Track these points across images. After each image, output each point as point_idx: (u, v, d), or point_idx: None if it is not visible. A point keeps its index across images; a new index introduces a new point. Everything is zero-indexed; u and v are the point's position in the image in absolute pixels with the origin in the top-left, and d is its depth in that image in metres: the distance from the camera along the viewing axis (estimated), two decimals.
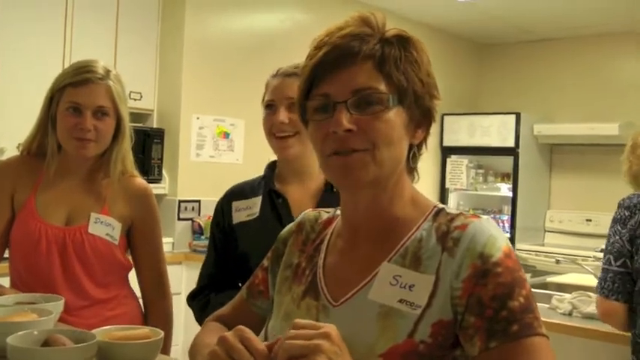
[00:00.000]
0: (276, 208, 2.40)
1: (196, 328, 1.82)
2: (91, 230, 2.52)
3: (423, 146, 1.50)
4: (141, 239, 2.68)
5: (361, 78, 1.37)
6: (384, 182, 1.42)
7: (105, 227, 2.55)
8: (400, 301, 1.34)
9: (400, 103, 1.39)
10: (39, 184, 2.56)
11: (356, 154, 1.37)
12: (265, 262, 1.71)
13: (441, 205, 1.48)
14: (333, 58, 1.38)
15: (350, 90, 1.37)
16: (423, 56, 1.45)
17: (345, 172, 1.39)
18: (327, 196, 2.34)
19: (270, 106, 2.37)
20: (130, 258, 2.69)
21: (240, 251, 2.43)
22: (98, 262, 2.53)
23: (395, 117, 1.38)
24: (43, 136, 2.56)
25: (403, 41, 1.42)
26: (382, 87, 1.38)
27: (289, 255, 1.63)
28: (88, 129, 2.46)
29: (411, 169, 1.51)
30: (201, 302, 2.47)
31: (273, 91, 2.36)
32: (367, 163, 1.37)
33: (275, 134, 2.35)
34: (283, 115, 2.30)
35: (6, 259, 2.63)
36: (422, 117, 1.45)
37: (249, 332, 1.23)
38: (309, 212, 1.69)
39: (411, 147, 1.46)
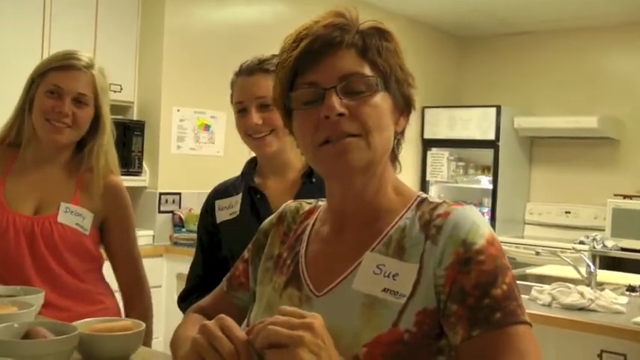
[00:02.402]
0: (255, 205, 2.38)
1: (178, 320, 1.81)
2: (60, 219, 2.49)
3: (403, 136, 1.52)
4: (115, 236, 2.65)
5: (347, 64, 1.39)
6: (374, 168, 1.43)
7: (75, 217, 2.52)
8: (384, 290, 1.34)
9: (385, 89, 1.41)
10: (7, 172, 2.53)
11: (349, 139, 1.37)
12: (246, 254, 1.71)
13: (424, 195, 1.49)
14: (318, 47, 1.39)
15: (337, 76, 1.38)
16: (399, 46, 1.47)
17: (338, 158, 1.38)
18: (305, 188, 2.33)
19: (241, 110, 2.34)
20: (103, 253, 2.66)
21: (223, 251, 2.41)
22: (68, 251, 2.49)
23: (382, 102, 1.40)
24: (21, 123, 2.53)
25: (381, 32, 1.44)
26: (368, 72, 1.39)
27: (270, 246, 1.63)
28: (66, 114, 2.44)
29: (394, 159, 1.52)
30: (190, 305, 2.43)
31: (241, 93, 2.33)
32: (361, 147, 1.37)
33: (252, 135, 2.33)
34: (256, 118, 2.28)
35: None
36: (404, 104, 1.47)
37: (229, 321, 1.23)
38: (290, 203, 1.69)
39: (394, 135, 1.47)
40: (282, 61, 1.45)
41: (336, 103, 1.36)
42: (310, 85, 1.40)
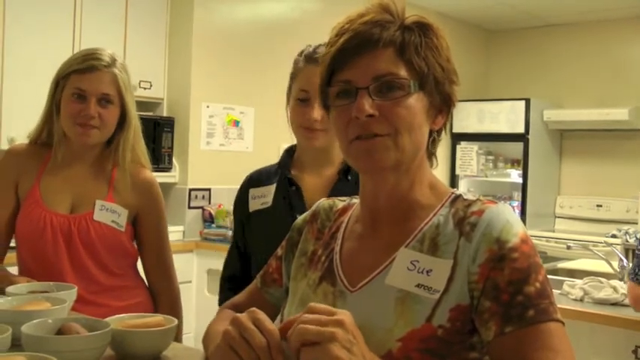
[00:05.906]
0: (289, 196, 2.36)
1: (209, 316, 1.82)
2: (96, 217, 2.52)
3: (442, 132, 1.52)
4: (146, 230, 2.67)
5: (382, 64, 1.38)
6: (405, 167, 1.43)
7: (110, 214, 2.55)
8: (418, 285, 1.35)
9: (421, 89, 1.41)
10: (42, 172, 2.56)
11: (378, 138, 1.38)
12: (279, 251, 1.72)
13: (458, 192, 1.49)
14: (355, 45, 1.39)
15: (371, 76, 1.38)
16: (443, 42, 1.46)
17: (367, 155, 1.40)
18: (341, 185, 2.32)
19: (303, 100, 2.29)
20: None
21: (254, 240, 2.41)
22: (105, 249, 2.52)
23: (416, 103, 1.40)
24: (51, 124, 2.56)
25: (423, 27, 1.44)
26: (403, 73, 1.39)
27: (304, 243, 1.64)
28: (92, 116, 2.46)
29: (431, 155, 1.52)
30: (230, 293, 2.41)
31: (309, 82, 2.24)
32: (388, 147, 1.38)
33: (306, 127, 2.30)
34: (318, 113, 2.23)
35: (13, 248, 2.62)
36: (442, 103, 1.47)
37: (261, 314, 1.24)
38: (324, 201, 1.70)
39: (431, 133, 1.48)
40: (323, 54, 1.47)
41: (367, 104, 1.36)
42: (345, 83, 1.41)
